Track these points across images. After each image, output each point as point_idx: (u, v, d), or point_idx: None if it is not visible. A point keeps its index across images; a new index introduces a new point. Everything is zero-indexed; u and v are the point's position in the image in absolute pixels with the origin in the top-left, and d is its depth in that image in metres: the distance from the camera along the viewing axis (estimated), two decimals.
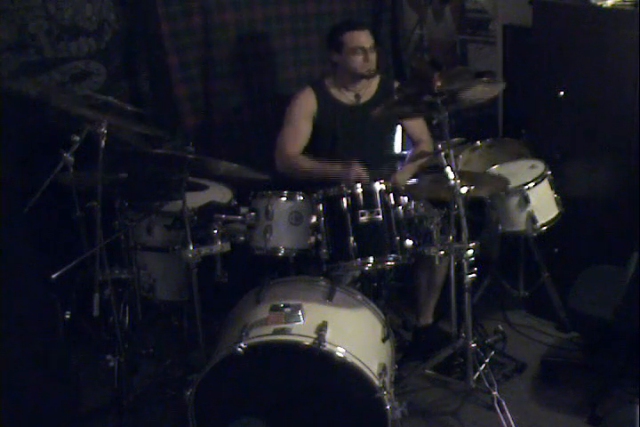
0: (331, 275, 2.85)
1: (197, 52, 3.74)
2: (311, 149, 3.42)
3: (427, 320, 3.38)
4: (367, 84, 3.39)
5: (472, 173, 3.08)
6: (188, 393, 2.53)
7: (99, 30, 3.56)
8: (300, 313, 2.57)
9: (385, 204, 2.77)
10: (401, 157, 3.63)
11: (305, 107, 3.37)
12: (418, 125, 3.46)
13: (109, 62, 3.63)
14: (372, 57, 3.28)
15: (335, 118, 3.37)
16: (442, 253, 2.75)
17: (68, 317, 3.04)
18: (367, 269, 2.80)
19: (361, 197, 2.76)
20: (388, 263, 2.77)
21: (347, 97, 3.39)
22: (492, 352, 3.07)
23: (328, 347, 2.45)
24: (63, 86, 3.53)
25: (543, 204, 3.17)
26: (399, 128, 3.61)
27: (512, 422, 2.73)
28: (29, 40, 3.41)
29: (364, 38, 3.26)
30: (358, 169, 3.11)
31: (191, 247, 2.73)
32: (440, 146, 2.69)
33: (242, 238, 2.89)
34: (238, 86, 3.88)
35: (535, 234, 3.19)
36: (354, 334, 2.68)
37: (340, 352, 2.45)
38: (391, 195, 2.79)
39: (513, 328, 3.47)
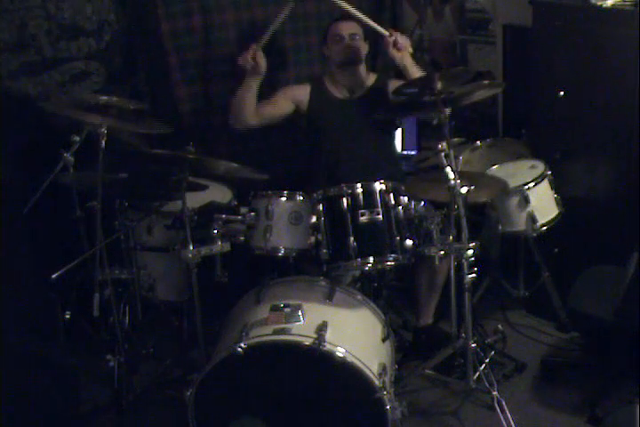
0: (331, 275, 2.85)
1: (197, 52, 3.74)
2: (306, 144, 3.48)
3: (427, 320, 3.37)
4: (360, 78, 3.42)
5: (472, 173, 3.08)
6: (188, 393, 2.53)
7: (99, 30, 3.56)
8: (300, 313, 2.57)
9: (385, 204, 2.77)
10: (402, 157, 3.64)
11: (292, 90, 3.48)
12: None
13: (109, 62, 3.63)
14: (352, 44, 3.33)
15: (327, 111, 3.41)
16: (442, 253, 2.75)
17: (67, 317, 3.05)
18: (367, 269, 2.80)
19: (361, 197, 2.77)
20: (388, 263, 2.77)
21: (340, 92, 3.45)
22: (492, 352, 3.06)
23: (328, 347, 2.45)
24: (63, 86, 3.54)
25: (543, 204, 3.17)
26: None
27: (512, 423, 2.73)
28: (29, 40, 3.41)
29: (343, 27, 3.34)
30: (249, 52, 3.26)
31: (191, 247, 2.73)
32: (440, 146, 2.69)
33: (242, 238, 2.89)
34: (238, 86, 3.88)
35: (535, 234, 3.19)
36: (354, 334, 2.69)
37: (340, 352, 2.45)
38: (391, 195, 2.80)
39: (513, 328, 3.47)
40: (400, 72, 4.34)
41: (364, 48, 3.39)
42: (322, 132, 3.42)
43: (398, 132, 3.67)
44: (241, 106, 3.35)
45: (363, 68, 3.43)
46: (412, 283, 3.37)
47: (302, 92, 3.46)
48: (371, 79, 3.46)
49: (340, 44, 3.34)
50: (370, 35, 3.44)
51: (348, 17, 3.37)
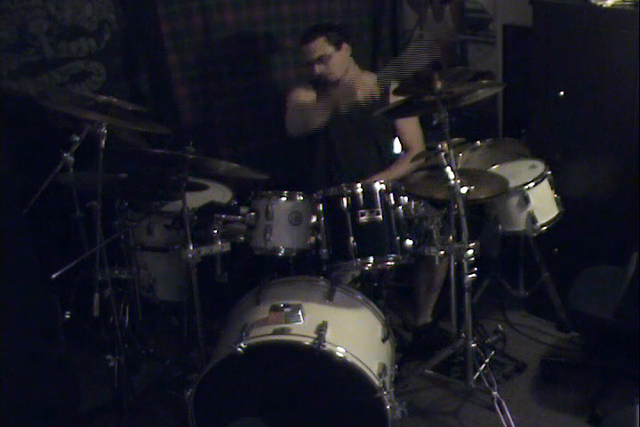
0: (331, 275, 2.85)
1: (197, 52, 3.74)
2: (305, 142, 3.48)
3: (425, 319, 3.38)
4: (352, 83, 3.38)
5: (472, 171, 3.08)
6: (188, 393, 2.53)
7: (99, 30, 3.56)
8: (300, 313, 2.57)
9: (385, 204, 2.77)
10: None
11: (303, 96, 3.45)
12: (411, 129, 3.45)
13: (109, 62, 3.63)
14: (321, 68, 3.30)
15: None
16: (442, 253, 2.75)
17: (67, 317, 3.05)
18: (367, 269, 2.80)
19: (361, 196, 2.76)
20: (388, 263, 2.77)
21: None
22: (492, 352, 3.06)
23: (328, 347, 2.45)
24: (63, 86, 3.53)
25: (543, 204, 3.17)
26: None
27: (512, 423, 2.73)
28: (29, 40, 3.41)
29: (307, 52, 3.31)
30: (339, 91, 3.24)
31: (191, 247, 2.73)
32: (440, 146, 2.69)
33: (242, 238, 2.89)
34: (238, 86, 3.88)
35: (535, 234, 3.18)
36: (354, 334, 2.68)
37: (339, 352, 2.45)
38: (391, 195, 2.80)
39: (513, 328, 3.47)
40: (400, 73, 4.38)
41: (340, 61, 3.33)
42: (323, 132, 3.41)
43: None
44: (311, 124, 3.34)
45: (350, 75, 3.39)
46: (412, 283, 3.37)
47: (309, 93, 3.46)
48: (370, 80, 3.45)
49: (310, 68, 3.33)
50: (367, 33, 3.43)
51: (311, 33, 3.32)
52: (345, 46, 3.34)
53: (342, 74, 3.36)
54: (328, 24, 3.57)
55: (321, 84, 3.43)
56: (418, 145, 3.44)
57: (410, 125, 3.43)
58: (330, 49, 3.29)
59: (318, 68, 3.31)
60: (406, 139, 3.47)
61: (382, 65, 4.24)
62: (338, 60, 3.33)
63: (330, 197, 2.78)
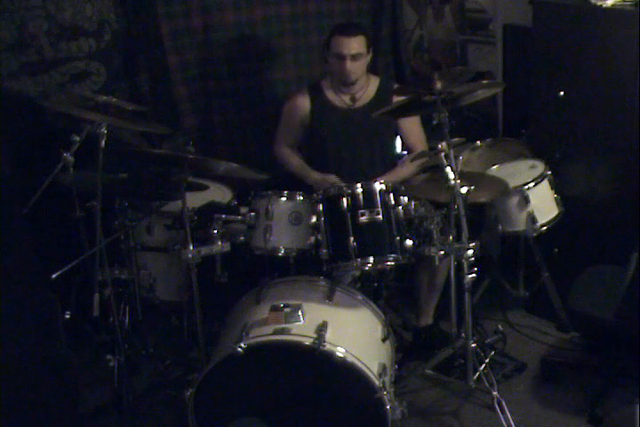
0: (331, 275, 2.85)
1: (197, 52, 3.75)
2: (306, 151, 3.46)
3: (427, 320, 3.37)
4: (363, 85, 3.37)
5: (471, 173, 3.08)
6: (188, 393, 2.53)
7: (99, 30, 3.56)
8: (300, 313, 2.57)
9: (385, 204, 2.77)
10: (401, 157, 3.63)
11: (297, 111, 3.40)
12: (414, 131, 3.44)
13: (109, 62, 3.63)
14: (352, 66, 3.22)
15: (329, 122, 3.37)
16: (442, 253, 2.75)
17: (68, 317, 3.04)
18: (367, 269, 2.80)
19: (361, 197, 2.76)
20: (388, 263, 2.77)
21: (342, 100, 3.38)
22: (492, 352, 3.06)
23: (328, 347, 2.45)
24: (63, 86, 3.54)
25: (543, 204, 3.17)
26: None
27: (512, 423, 2.73)
28: (29, 40, 3.41)
29: (346, 45, 3.20)
30: (332, 181, 3.17)
31: (191, 247, 2.73)
32: (440, 146, 2.69)
33: (242, 238, 2.89)
34: (238, 86, 3.89)
35: (535, 234, 3.19)
36: (354, 334, 2.69)
37: (339, 352, 2.45)
38: (391, 195, 2.79)
39: (513, 328, 3.47)
40: (400, 73, 4.38)
41: (364, 65, 3.28)
42: (325, 139, 3.38)
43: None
44: (288, 168, 3.49)
45: (363, 78, 3.34)
46: (412, 283, 3.37)
47: (304, 107, 3.38)
48: (373, 83, 3.40)
49: (341, 64, 3.23)
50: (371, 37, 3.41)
51: (353, 28, 3.26)
52: (370, 51, 3.31)
53: (359, 77, 3.30)
54: (362, 26, 3.53)
55: (318, 90, 3.40)
56: (421, 145, 3.43)
57: (413, 125, 3.42)
58: (364, 50, 3.24)
59: (350, 64, 3.22)
60: (410, 139, 3.45)
61: (382, 65, 4.25)
62: (363, 63, 3.28)
63: (330, 197, 2.79)
